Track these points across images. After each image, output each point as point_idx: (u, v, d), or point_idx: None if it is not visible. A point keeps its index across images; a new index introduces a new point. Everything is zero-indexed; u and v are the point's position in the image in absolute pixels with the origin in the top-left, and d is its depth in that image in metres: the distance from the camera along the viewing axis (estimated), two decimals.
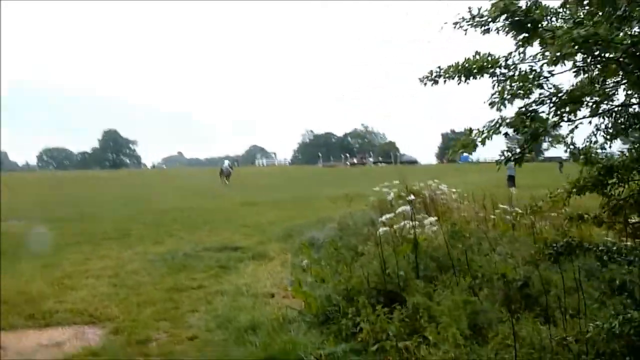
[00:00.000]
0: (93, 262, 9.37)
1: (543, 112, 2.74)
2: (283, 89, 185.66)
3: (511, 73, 2.86)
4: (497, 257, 5.63)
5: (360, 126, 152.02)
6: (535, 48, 2.81)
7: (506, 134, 2.84)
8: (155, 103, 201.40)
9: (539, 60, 2.79)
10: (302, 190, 29.82)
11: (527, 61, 2.86)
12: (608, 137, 3.11)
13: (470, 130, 2.85)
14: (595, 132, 3.21)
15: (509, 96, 2.68)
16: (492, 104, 2.75)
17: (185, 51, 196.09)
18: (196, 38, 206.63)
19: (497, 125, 2.73)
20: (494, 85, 2.88)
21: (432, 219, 5.63)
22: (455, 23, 2.92)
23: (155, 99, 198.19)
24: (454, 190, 11.26)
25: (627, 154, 3.03)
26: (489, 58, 2.91)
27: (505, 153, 2.98)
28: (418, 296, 4.49)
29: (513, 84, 2.72)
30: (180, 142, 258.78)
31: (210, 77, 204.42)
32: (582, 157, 3.09)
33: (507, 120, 2.75)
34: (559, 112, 2.69)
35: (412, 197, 7.60)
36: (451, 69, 2.96)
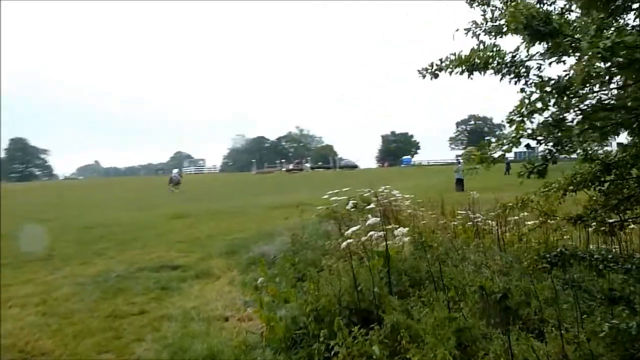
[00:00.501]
0: (15, 288, 8.76)
1: (567, 120, 2.73)
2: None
3: (519, 71, 2.82)
4: (470, 268, 5.69)
5: (295, 129, 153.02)
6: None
7: (527, 146, 2.81)
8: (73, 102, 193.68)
9: (548, 58, 2.79)
10: (237, 199, 29.49)
11: (535, 59, 2.85)
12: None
13: (489, 142, 2.81)
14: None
15: (527, 112, 2.64)
16: (511, 122, 2.71)
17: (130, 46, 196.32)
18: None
19: (518, 137, 2.69)
20: (500, 80, 2.85)
21: (403, 229, 5.62)
22: (468, 29, 2.88)
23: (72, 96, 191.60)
24: (407, 196, 11.42)
25: (626, 150, 3.05)
26: (495, 50, 2.87)
27: (527, 165, 2.96)
28: (395, 314, 4.44)
29: (532, 94, 2.67)
30: (97, 149, 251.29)
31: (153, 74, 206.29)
32: (580, 153, 3.07)
33: (529, 132, 2.70)
34: (586, 121, 2.68)
35: (373, 205, 7.60)
36: (454, 62, 2.90)
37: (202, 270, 9.80)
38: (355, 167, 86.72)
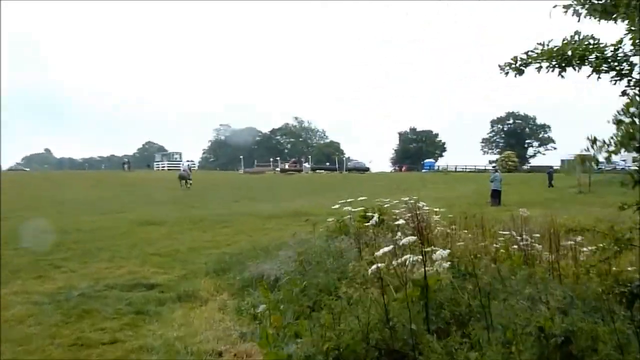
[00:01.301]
0: None
1: None
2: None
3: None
4: (521, 303, 5.68)
5: (293, 121, 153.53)
6: None
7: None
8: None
9: None
10: (223, 204, 29.57)
11: None
12: None
13: (594, 140, 2.76)
14: None
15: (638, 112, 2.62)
16: (619, 123, 2.69)
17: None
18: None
19: (628, 138, 2.65)
20: (598, 78, 2.82)
21: (443, 252, 5.61)
22: (568, 6, 2.85)
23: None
24: (437, 209, 11.44)
25: None
26: (592, 42, 2.83)
27: (634, 175, 2.92)
28: (436, 357, 4.43)
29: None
30: (47, 137, 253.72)
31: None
32: None
33: None
34: None
35: (402, 221, 7.60)
36: (542, 54, 2.87)
37: (185, 291, 9.79)
38: (366, 169, 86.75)
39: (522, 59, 3.02)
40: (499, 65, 3.04)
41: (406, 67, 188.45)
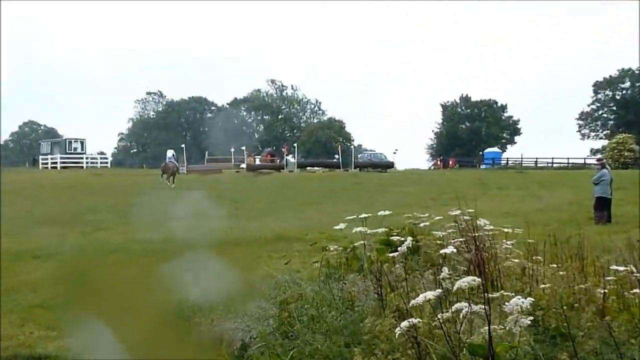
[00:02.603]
0: None
1: None
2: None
3: None
4: None
5: (268, 86, 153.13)
6: None
7: None
8: None
9: None
10: (155, 224, 29.57)
11: None
12: None
13: None
14: None
15: None
16: None
17: None
18: None
19: None
20: None
21: (519, 299, 5.58)
22: None
23: None
24: (507, 230, 11.45)
25: None
26: None
27: None
28: None
29: None
30: None
31: None
32: None
33: None
34: None
35: (452, 249, 7.62)
36: None
37: None
38: (388, 165, 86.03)
39: None
40: None
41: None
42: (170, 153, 53.15)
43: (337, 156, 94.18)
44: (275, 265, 14.28)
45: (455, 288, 5.49)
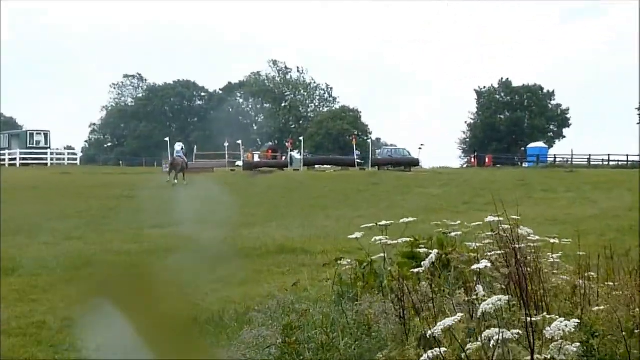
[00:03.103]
0: None
1: None
2: None
3: None
4: None
5: (270, 67, 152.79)
6: None
7: None
8: None
9: None
10: (133, 230, 29.66)
11: None
12: None
13: None
14: None
15: None
16: None
17: None
18: None
19: None
20: None
21: (566, 322, 5.58)
22: None
23: None
24: (553, 240, 11.45)
25: None
26: None
27: None
28: None
29: None
30: None
31: None
32: None
33: None
34: None
35: (486, 263, 7.63)
36: None
37: None
38: (412, 163, 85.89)
39: None
40: None
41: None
42: (178, 146, 54.16)
43: (359, 153, 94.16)
44: (277, 282, 14.29)
45: (480, 311, 5.49)
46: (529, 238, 10.28)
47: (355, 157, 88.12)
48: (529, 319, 5.66)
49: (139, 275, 15.97)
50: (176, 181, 47.33)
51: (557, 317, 6.17)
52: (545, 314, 6.58)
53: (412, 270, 9.18)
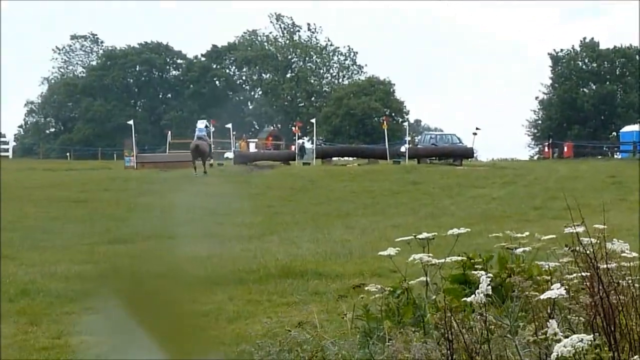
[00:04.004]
0: None
1: None
2: None
3: None
4: None
5: (272, 25, 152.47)
6: None
7: None
8: None
9: None
10: (83, 245, 29.78)
11: None
12: None
13: None
14: None
15: None
16: None
17: None
18: None
19: None
20: None
21: None
22: None
23: None
24: None
25: None
26: None
27: None
28: None
29: None
30: None
31: None
32: None
33: None
34: None
35: (558, 290, 7.69)
36: None
37: None
38: (465, 154, 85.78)
39: None
40: None
41: None
42: (202, 124, 56.33)
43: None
44: (280, 315, 14.33)
45: (554, 355, 5.56)
46: (622, 255, 10.35)
47: (387, 145, 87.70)
48: None
49: (92, 310, 16.30)
50: (204, 172, 49.71)
51: None
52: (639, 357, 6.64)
53: (464, 299, 9.22)
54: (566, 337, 5.94)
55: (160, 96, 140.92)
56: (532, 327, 8.03)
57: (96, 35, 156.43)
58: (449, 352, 8.28)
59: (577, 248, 9.22)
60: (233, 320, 17.85)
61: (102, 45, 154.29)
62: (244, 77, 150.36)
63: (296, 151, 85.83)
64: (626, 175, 60.65)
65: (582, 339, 5.42)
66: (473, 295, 8.22)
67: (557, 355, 5.27)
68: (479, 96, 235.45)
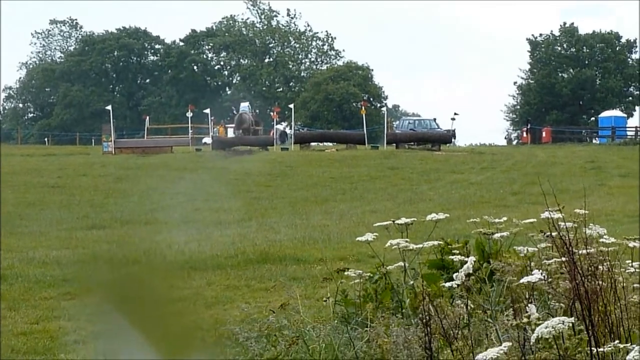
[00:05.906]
0: None
1: None
2: None
3: None
4: None
5: (248, 7, 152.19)
6: None
7: None
8: None
9: None
10: (64, 231, 29.69)
11: None
12: None
13: None
14: None
15: None
16: None
17: None
18: None
19: None
20: None
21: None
22: None
23: None
24: (632, 242, 11.51)
25: None
26: None
27: None
28: None
29: None
30: None
31: None
32: None
33: None
34: None
35: (537, 274, 7.69)
36: None
37: None
38: (444, 140, 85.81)
39: None
40: None
41: None
42: (246, 104, 55.14)
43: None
44: (259, 301, 14.31)
45: (534, 337, 5.56)
46: (601, 240, 10.35)
47: (366, 131, 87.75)
48: (594, 349, 5.71)
49: (70, 295, 16.25)
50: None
51: (636, 345, 6.22)
52: (617, 342, 6.62)
53: (443, 284, 9.21)
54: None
55: (139, 81, 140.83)
56: (510, 312, 8.03)
57: (75, 20, 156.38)
58: (427, 336, 8.26)
59: (553, 234, 9.22)
60: (211, 305, 17.86)
61: (81, 31, 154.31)
62: (222, 63, 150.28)
63: (275, 136, 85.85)
64: (605, 161, 60.84)
65: (563, 322, 5.43)
66: (453, 280, 8.22)
67: (538, 336, 5.28)
68: (457, 80, 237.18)
